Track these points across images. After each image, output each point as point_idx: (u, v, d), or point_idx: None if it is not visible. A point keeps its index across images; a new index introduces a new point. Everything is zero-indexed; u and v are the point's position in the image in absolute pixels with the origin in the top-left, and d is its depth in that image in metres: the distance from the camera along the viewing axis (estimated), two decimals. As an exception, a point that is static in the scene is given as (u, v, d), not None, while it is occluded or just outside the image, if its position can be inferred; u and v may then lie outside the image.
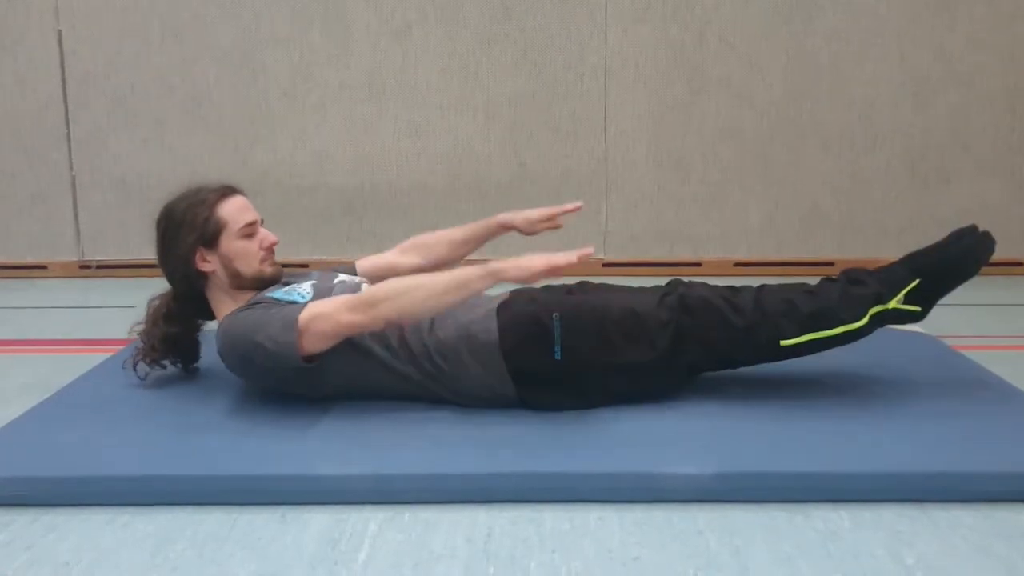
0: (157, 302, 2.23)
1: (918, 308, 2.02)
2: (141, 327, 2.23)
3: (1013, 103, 3.94)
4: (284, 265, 2.21)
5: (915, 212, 4.02)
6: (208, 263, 2.10)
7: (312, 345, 1.94)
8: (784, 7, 3.91)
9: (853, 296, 1.99)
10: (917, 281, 2.00)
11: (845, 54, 3.93)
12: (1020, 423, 1.95)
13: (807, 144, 4.01)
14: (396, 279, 2.01)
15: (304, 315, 1.93)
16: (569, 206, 2.29)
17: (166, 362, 2.27)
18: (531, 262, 1.87)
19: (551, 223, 2.31)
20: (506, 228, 2.34)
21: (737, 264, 4.11)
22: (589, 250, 1.90)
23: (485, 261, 1.93)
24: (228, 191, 2.15)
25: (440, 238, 2.41)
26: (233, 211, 2.11)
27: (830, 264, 4.05)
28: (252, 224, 2.13)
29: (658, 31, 3.96)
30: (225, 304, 2.13)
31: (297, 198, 4.12)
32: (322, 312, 1.93)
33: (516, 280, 1.89)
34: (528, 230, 2.31)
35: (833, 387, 2.14)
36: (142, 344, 2.22)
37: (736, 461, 1.77)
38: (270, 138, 4.11)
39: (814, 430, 1.90)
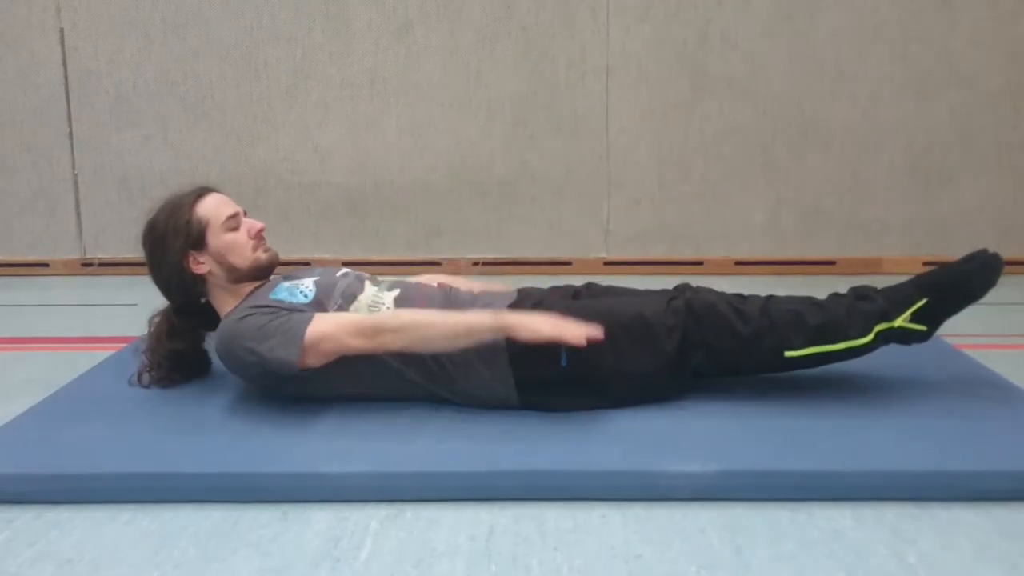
0: (158, 319, 2.21)
1: (924, 327, 2.01)
2: (145, 346, 2.22)
3: (1015, 101, 3.93)
4: (285, 263, 2.20)
5: (917, 211, 4.02)
6: (202, 264, 2.10)
7: (313, 362, 1.96)
8: (786, 5, 3.90)
9: (860, 312, 1.99)
10: (924, 300, 1.99)
11: (847, 52, 3.93)
12: (1021, 422, 1.94)
13: (809, 142, 4.01)
14: (408, 311, 2.02)
15: (309, 333, 1.93)
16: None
17: (177, 376, 2.23)
18: (540, 327, 1.88)
19: None
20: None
21: (739, 263, 4.10)
22: (598, 334, 1.89)
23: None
24: (203, 191, 2.15)
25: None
26: (212, 208, 2.11)
27: (832, 263, 4.05)
28: (234, 216, 2.13)
29: (660, 29, 3.95)
30: (227, 302, 2.13)
31: (299, 196, 4.12)
32: (327, 333, 1.94)
33: (523, 340, 1.90)
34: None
35: (835, 386, 2.14)
36: (147, 360, 2.21)
37: (738, 460, 1.77)
38: (272, 136, 4.11)
39: (816, 429, 1.90)
